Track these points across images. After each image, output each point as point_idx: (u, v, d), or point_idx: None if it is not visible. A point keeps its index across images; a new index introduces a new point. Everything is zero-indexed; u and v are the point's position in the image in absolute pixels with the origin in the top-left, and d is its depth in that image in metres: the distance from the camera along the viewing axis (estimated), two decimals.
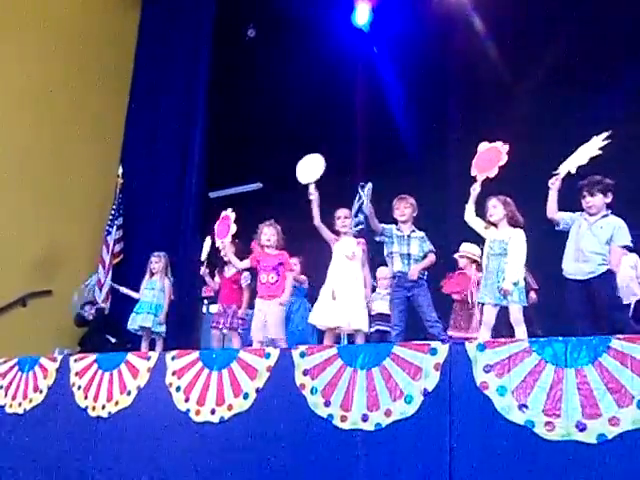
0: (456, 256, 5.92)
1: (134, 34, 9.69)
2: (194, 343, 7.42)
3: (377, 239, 4.80)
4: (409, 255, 4.73)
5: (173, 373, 4.55)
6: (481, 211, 4.58)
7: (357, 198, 4.70)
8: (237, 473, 3.97)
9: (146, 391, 4.63)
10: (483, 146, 4.65)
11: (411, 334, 4.59)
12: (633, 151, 5.97)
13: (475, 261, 5.81)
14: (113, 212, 8.37)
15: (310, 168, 4.97)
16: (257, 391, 4.09)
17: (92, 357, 5.12)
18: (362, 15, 8.44)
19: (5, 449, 5.15)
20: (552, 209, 4.38)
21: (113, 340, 7.33)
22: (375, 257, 4.89)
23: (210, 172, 8.75)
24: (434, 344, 3.62)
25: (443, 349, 3.55)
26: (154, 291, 5.89)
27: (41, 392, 5.18)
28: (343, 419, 3.69)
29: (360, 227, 4.75)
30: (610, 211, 4.28)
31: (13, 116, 7.69)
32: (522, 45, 7.39)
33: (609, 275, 4.14)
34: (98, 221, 8.44)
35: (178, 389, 4.46)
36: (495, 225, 4.51)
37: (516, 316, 4.25)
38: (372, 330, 5.42)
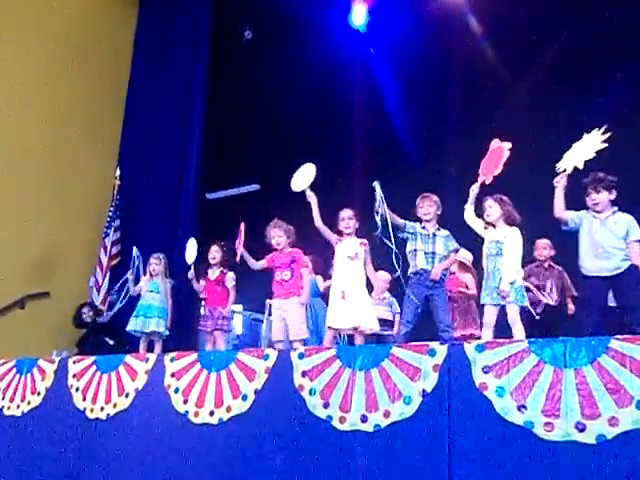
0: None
1: (132, 35, 9.67)
2: (192, 345, 7.40)
3: (400, 235, 4.76)
4: (434, 253, 4.71)
5: (172, 375, 4.54)
6: (481, 211, 4.58)
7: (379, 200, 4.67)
8: (236, 475, 3.96)
9: (144, 393, 4.62)
10: (491, 147, 4.62)
11: (411, 334, 4.59)
12: (632, 150, 5.99)
13: (466, 265, 5.86)
14: (111, 214, 8.35)
15: (302, 176, 5.01)
16: (256, 392, 4.08)
17: (90, 359, 5.11)
18: (359, 16, 8.44)
19: (3, 451, 5.13)
20: (559, 208, 4.32)
21: (111, 342, 7.30)
22: (374, 260, 4.87)
23: (208, 173, 8.76)
24: (433, 345, 3.62)
25: (442, 350, 3.55)
26: (160, 295, 5.85)
27: (39, 394, 5.16)
28: (342, 420, 3.69)
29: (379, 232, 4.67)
30: (617, 207, 4.27)
31: (11, 116, 7.67)
32: (520, 45, 7.39)
33: (634, 271, 4.11)
34: (96, 223, 8.41)
35: (177, 391, 4.45)
36: (493, 225, 4.51)
37: (513, 317, 4.24)
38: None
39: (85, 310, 7.57)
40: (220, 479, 4.02)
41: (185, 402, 4.37)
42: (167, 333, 5.81)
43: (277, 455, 3.84)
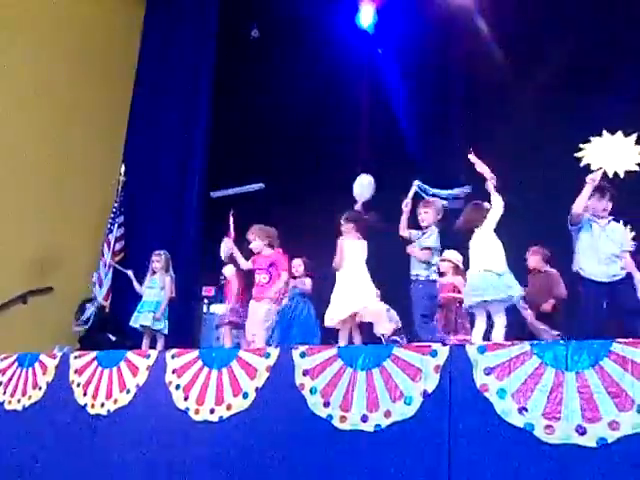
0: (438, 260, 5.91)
1: (138, 34, 9.72)
2: (194, 342, 7.41)
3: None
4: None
5: (173, 371, 4.54)
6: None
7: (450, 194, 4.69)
8: (236, 472, 3.96)
9: (145, 389, 4.62)
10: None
11: (412, 336, 4.59)
12: None
13: (457, 266, 5.83)
14: (115, 210, 8.36)
15: (365, 186, 5.07)
16: (257, 390, 4.08)
17: (92, 354, 5.11)
18: (366, 16, 8.44)
19: (4, 445, 5.14)
20: (581, 205, 4.28)
21: (113, 338, 7.31)
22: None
23: (212, 172, 8.77)
24: (434, 346, 3.62)
25: (443, 351, 3.54)
26: (155, 290, 5.89)
27: (40, 389, 5.17)
28: (342, 419, 3.68)
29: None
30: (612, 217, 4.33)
31: (15, 115, 7.69)
32: (526, 47, 7.37)
33: (630, 279, 4.17)
34: (100, 219, 8.43)
35: (178, 387, 4.45)
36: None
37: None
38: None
39: (87, 306, 7.59)
40: (220, 476, 4.01)
41: (186, 399, 4.37)
42: (158, 326, 5.77)
43: (277, 453, 3.84)
